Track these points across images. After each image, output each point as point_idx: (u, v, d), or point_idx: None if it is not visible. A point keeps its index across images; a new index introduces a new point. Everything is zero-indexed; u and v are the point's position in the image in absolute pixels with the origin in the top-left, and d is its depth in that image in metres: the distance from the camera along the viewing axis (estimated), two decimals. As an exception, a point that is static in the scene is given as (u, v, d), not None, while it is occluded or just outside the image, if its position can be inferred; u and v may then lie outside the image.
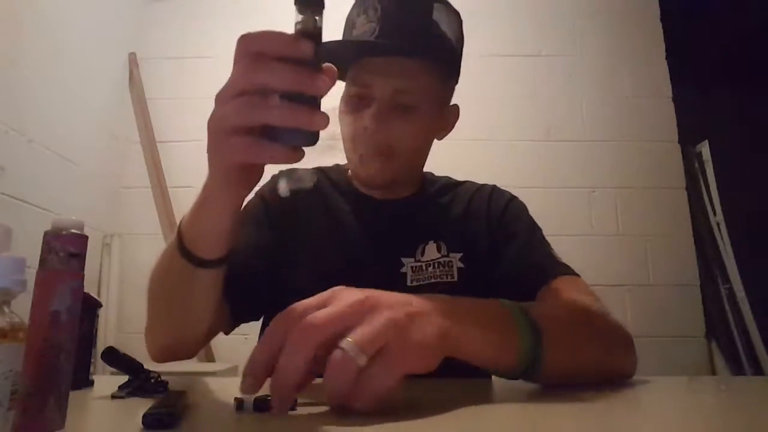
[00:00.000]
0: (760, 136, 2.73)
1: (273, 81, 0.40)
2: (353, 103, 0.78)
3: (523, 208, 0.87)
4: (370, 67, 0.75)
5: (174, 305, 0.64)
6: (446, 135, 0.85)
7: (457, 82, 0.83)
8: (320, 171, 0.92)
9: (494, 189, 0.89)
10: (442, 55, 0.77)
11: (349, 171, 0.87)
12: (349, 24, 0.78)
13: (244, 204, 0.85)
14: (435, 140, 0.83)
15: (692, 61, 2.61)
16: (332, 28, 0.64)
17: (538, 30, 2.39)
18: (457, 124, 0.85)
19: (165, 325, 0.68)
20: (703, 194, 2.36)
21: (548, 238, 0.82)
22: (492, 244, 0.81)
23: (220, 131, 0.44)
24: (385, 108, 0.74)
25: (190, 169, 2.26)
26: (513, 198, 0.88)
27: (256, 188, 0.91)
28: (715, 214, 2.33)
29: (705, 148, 2.40)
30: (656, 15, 2.38)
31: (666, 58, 2.34)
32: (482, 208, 0.85)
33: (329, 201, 0.85)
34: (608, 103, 2.31)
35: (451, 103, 0.84)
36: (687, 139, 2.34)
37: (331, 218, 0.83)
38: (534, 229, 0.84)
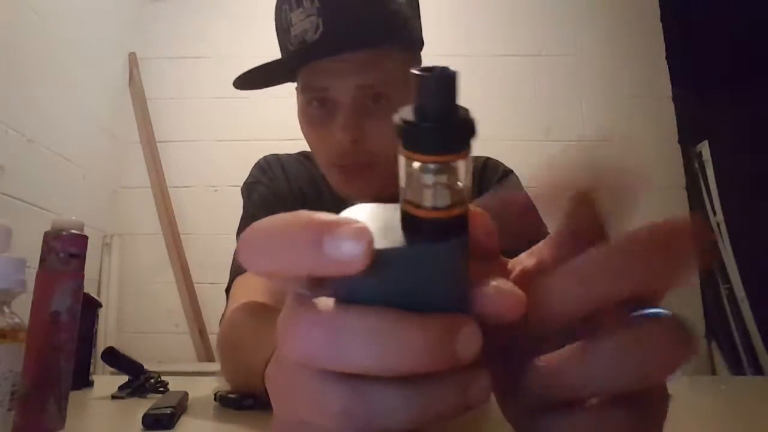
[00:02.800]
0: (760, 136, 2.73)
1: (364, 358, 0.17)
2: (314, 112, 0.69)
3: (517, 184, 0.83)
4: (321, 68, 0.66)
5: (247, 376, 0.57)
6: None
7: (422, 46, 0.74)
8: (306, 158, 0.86)
9: (488, 160, 0.85)
10: (399, 33, 0.68)
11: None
12: (283, 22, 0.68)
13: (252, 193, 0.82)
14: None
15: (692, 61, 2.61)
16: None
17: (538, 30, 2.38)
18: None
19: (238, 382, 0.62)
20: (703, 194, 2.36)
21: (548, 239, 0.82)
22: None
23: None
24: (352, 112, 0.66)
25: (190, 169, 2.26)
26: (508, 173, 0.84)
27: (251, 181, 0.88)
28: (715, 214, 2.32)
29: (705, 148, 2.40)
30: (656, 15, 2.37)
31: (666, 58, 2.33)
32: (473, 181, 0.80)
33: (319, 197, 0.81)
34: (608, 103, 2.31)
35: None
36: (687, 139, 2.34)
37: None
38: None
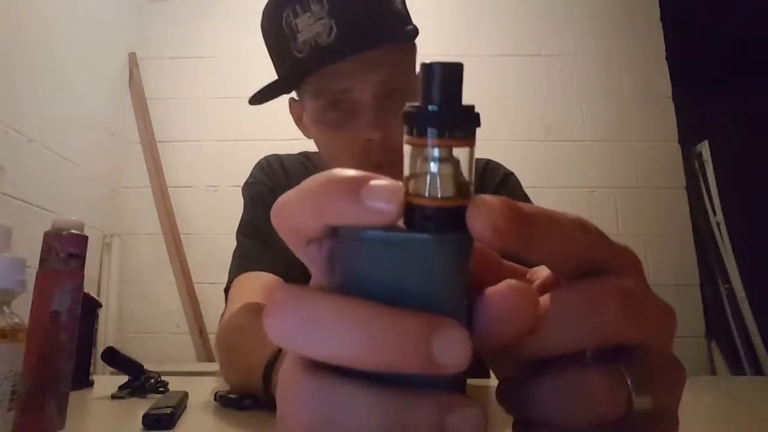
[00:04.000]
0: (760, 136, 2.73)
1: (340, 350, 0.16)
2: (331, 116, 0.69)
3: (518, 185, 0.85)
4: (340, 69, 0.66)
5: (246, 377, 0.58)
6: None
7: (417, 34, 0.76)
8: (307, 158, 0.87)
9: (488, 163, 0.87)
10: (404, 29, 0.71)
11: None
12: (287, 27, 0.67)
13: (253, 193, 0.82)
14: None
15: (692, 61, 2.61)
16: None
17: (538, 30, 2.38)
18: None
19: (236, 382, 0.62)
20: (703, 194, 2.36)
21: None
22: None
23: None
24: (377, 109, 0.66)
25: (190, 169, 2.26)
26: (508, 175, 0.86)
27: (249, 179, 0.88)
28: (715, 214, 2.32)
29: (705, 148, 2.40)
30: (656, 15, 2.37)
31: (666, 58, 2.33)
32: (475, 183, 0.82)
33: None
34: (608, 103, 2.31)
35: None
36: (687, 139, 2.34)
37: None
38: None
